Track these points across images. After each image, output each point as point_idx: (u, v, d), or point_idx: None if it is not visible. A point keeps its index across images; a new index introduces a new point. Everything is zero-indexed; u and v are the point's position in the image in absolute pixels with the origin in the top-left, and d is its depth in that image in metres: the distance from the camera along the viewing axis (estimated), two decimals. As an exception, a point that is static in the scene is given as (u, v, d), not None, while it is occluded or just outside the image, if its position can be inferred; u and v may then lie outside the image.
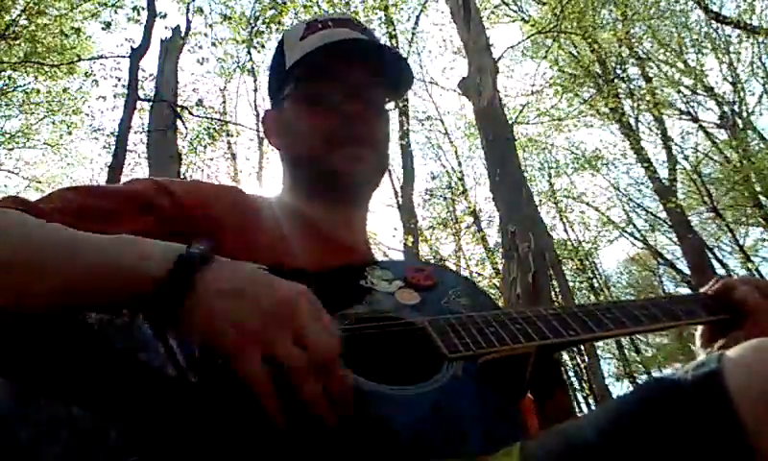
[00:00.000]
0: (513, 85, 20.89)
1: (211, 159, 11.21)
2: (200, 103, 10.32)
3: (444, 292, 0.89)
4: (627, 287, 18.87)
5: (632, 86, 13.46)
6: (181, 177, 8.18)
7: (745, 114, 14.09)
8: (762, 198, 13.32)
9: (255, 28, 9.07)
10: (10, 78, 10.39)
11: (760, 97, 14.00)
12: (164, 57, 8.73)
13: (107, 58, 9.38)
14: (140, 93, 7.78)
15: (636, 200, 15.57)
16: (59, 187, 1.06)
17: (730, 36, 13.81)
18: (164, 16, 8.22)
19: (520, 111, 12.51)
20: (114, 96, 9.02)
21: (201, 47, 9.78)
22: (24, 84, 10.93)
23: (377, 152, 1.03)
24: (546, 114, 13.54)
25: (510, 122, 8.22)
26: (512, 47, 11.20)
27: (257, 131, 10.70)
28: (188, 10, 9.30)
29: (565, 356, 11.51)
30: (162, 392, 0.60)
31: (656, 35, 13.52)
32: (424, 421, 0.65)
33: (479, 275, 13.51)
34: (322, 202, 1.02)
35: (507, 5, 12.93)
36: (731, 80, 14.08)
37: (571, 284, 13.63)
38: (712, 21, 12.69)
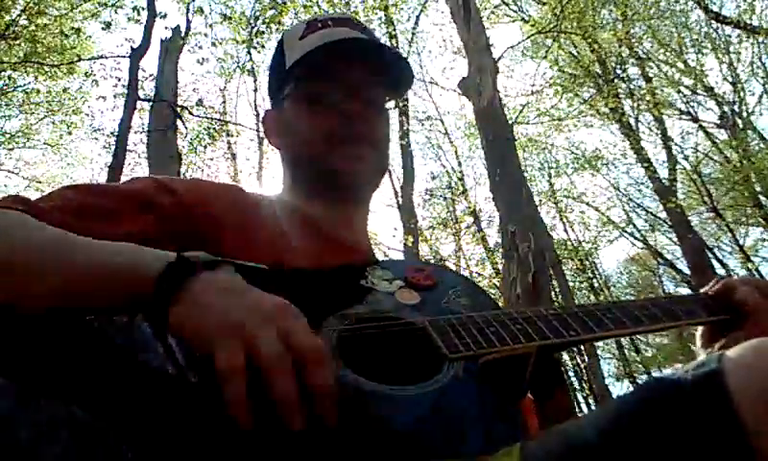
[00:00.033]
0: (513, 85, 20.94)
1: (211, 159, 11.25)
2: (200, 103, 10.32)
3: (444, 292, 0.89)
4: (627, 287, 18.88)
5: (632, 86, 13.46)
6: (181, 176, 8.18)
7: (745, 114, 14.10)
8: (762, 198, 13.33)
9: (255, 28, 9.08)
10: (10, 78, 10.37)
11: (760, 97, 14.03)
12: (164, 57, 8.73)
13: (107, 58, 9.39)
14: (140, 93, 7.78)
15: (636, 200, 15.60)
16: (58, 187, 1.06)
17: (730, 36, 13.84)
18: (164, 16, 8.22)
19: (520, 111, 12.50)
20: (114, 96, 9.04)
21: (201, 47, 9.80)
22: (24, 84, 10.94)
23: (377, 151, 1.03)
24: (546, 114, 13.54)
25: (510, 122, 8.21)
26: (512, 47, 11.21)
27: (257, 131, 10.72)
28: (188, 10, 9.30)
29: (565, 356, 11.51)
30: (162, 392, 0.60)
31: (656, 35, 13.52)
32: (425, 421, 0.65)
33: (479, 275, 13.50)
34: (322, 201, 1.02)
35: (507, 5, 12.93)
36: (731, 80, 14.09)
37: (571, 284, 13.66)
38: (712, 21, 12.70)
